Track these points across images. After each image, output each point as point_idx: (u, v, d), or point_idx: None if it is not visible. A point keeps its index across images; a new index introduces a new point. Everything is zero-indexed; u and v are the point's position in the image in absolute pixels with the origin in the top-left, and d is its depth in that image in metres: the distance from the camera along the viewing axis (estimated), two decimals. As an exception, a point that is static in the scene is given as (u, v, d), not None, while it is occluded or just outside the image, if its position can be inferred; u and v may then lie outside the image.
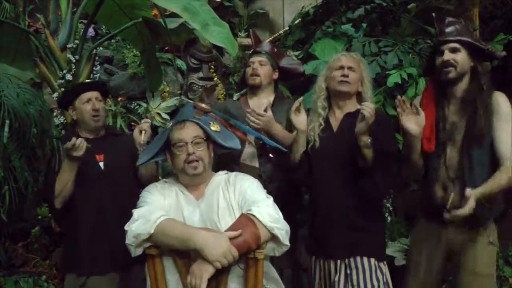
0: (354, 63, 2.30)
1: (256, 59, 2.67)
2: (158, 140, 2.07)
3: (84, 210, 2.30)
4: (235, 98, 2.82)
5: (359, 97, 2.31)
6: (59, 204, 2.27)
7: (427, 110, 2.12)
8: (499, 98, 2.10)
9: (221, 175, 2.01)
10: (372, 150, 2.09)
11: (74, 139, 2.17)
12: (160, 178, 3.13)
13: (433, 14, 2.27)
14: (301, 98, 2.25)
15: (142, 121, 2.37)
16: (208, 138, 1.96)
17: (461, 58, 2.11)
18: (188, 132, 1.92)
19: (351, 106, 2.30)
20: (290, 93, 3.68)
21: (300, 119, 2.20)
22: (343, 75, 2.25)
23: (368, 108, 2.04)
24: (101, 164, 2.37)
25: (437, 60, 2.16)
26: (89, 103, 2.36)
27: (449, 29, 2.15)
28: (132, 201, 2.43)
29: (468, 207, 1.91)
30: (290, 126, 2.59)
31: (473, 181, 2.04)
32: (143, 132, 2.28)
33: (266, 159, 2.54)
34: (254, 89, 2.67)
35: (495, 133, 2.06)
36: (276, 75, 2.74)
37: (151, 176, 2.48)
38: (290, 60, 2.93)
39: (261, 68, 2.65)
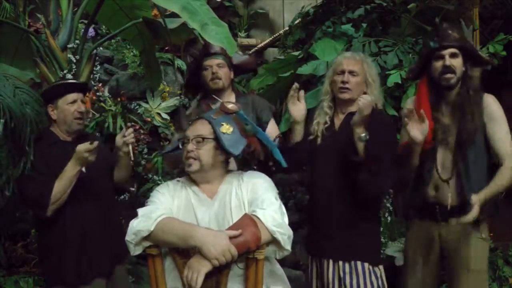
0: (356, 66, 2.26)
1: (213, 61, 2.62)
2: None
3: (72, 218, 2.21)
4: (194, 105, 2.80)
5: None
6: (51, 212, 2.13)
7: (426, 113, 2.14)
8: (490, 100, 2.17)
9: (235, 174, 2.01)
10: (364, 145, 2.07)
11: (94, 142, 2.08)
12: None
13: (436, 19, 2.32)
14: (296, 84, 2.19)
15: (126, 133, 2.28)
16: (218, 139, 1.95)
17: (458, 63, 2.16)
18: (194, 130, 1.95)
19: (354, 107, 2.26)
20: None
21: (297, 109, 2.18)
22: (343, 82, 2.23)
23: (364, 99, 2.05)
24: (83, 168, 2.23)
25: (435, 64, 2.19)
26: (74, 105, 2.27)
27: (449, 34, 2.17)
28: (112, 204, 2.42)
29: (473, 214, 1.97)
30: (258, 119, 2.58)
31: (469, 181, 2.12)
32: (129, 145, 2.27)
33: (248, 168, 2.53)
34: (216, 93, 2.62)
35: (490, 134, 2.13)
36: (232, 75, 2.72)
37: (126, 177, 2.47)
38: (239, 56, 2.89)
39: (220, 70, 2.62)
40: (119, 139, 2.29)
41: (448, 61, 2.14)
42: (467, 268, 2.17)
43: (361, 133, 2.07)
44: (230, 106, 2.08)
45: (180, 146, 1.97)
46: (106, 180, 2.38)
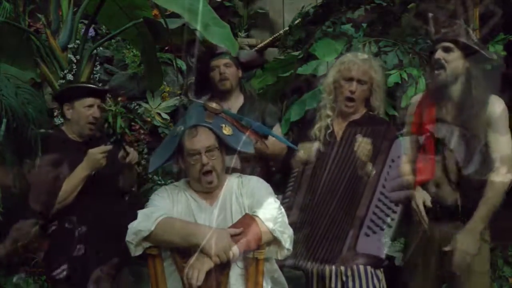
0: (365, 75, 2.21)
1: (220, 62, 2.61)
2: (169, 144, 2.00)
3: (75, 218, 2.23)
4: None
5: (368, 102, 2.27)
6: (55, 211, 2.17)
7: (428, 110, 2.12)
8: (494, 102, 2.05)
9: (235, 178, 1.99)
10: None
11: (107, 146, 2.16)
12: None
13: (429, 14, 2.23)
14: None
15: (128, 158, 2.25)
16: (221, 143, 1.93)
17: (453, 58, 2.06)
18: (201, 141, 1.88)
19: (356, 114, 2.26)
20: (289, 93, 3.68)
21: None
22: (351, 91, 2.19)
23: (362, 148, 2.07)
24: None
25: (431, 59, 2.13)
26: (90, 109, 2.28)
27: (444, 30, 2.11)
28: (118, 207, 2.39)
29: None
30: (263, 122, 2.55)
31: (468, 180, 2.06)
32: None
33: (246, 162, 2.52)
34: (224, 93, 2.62)
35: (489, 139, 2.03)
36: (240, 73, 2.71)
37: (131, 183, 2.50)
38: (246, 52, 2.91)
39: (228, 70, 2.61)
40: (120, 158, 2.25)
41: (439, 54, 2.05)
42: (470, 270, 2.10)
43: (368, 170, 2.11)
44: (214, 105, 2.07)
45: (192, 162, 1.88)
46: (113, 182, 2.36)
